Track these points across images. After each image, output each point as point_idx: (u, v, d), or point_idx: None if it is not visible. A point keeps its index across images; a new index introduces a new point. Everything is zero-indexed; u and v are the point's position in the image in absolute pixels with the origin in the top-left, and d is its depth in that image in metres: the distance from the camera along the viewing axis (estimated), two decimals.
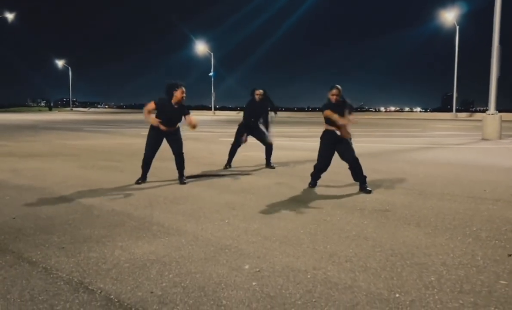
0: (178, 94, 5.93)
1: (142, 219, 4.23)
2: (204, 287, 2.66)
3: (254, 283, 2.72)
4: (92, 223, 4.08)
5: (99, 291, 2.60)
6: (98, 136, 15.76)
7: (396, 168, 7.78)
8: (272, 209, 4.68)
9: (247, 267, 2.98)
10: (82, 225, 4.02)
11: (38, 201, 5.03)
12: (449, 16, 40.08)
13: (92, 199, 5.14)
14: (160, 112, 6.02)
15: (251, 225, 4.02)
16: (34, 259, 3.12)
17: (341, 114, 5.58)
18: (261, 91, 7.77)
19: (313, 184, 5.93)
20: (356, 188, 5.72)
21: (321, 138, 5.85)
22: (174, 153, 6.23)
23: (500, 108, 15.69)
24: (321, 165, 5.86)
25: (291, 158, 9.08)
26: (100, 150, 10.78)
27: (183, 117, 6.11)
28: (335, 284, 2.71)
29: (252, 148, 9.59)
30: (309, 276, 2.83)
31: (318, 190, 5.74)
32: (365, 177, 5.70)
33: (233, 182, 6.37)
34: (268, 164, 7.87)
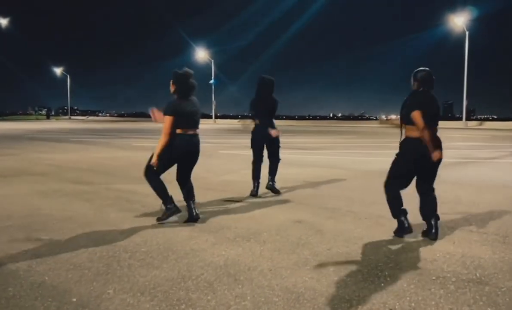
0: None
1: (81, 308, 2.47)
2: None
3: None
4: None
5: None
6: (82, 148, 13.98)
7: (447, 194, 5.83)
8: (299, 281, 2.90)
9: None
10: None
11: None
12: (458, 21, 38.46)
13: (22, 255, 3.38)
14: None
15: None
16: None
17: (431, 118, 3.81)
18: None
19: (400, 232, 3.95)
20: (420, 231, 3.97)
21: (401, 147, 4.00)
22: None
23: (503, 116, 13.99)
24: (398, 187, 3.96)
25: (305, 178, 7.24)
26: (75, 167, 8.99)
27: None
28: None
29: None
30: None
31: (362, 234, 3.97)
32: None
33: (232, 220, 4.58)
34: (273, 186, 5.97)
